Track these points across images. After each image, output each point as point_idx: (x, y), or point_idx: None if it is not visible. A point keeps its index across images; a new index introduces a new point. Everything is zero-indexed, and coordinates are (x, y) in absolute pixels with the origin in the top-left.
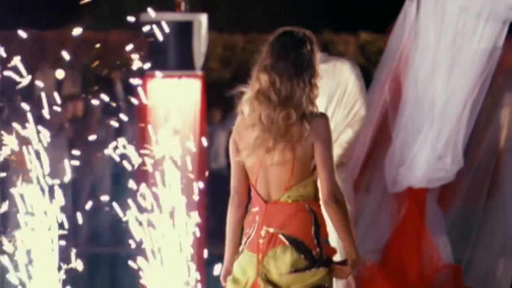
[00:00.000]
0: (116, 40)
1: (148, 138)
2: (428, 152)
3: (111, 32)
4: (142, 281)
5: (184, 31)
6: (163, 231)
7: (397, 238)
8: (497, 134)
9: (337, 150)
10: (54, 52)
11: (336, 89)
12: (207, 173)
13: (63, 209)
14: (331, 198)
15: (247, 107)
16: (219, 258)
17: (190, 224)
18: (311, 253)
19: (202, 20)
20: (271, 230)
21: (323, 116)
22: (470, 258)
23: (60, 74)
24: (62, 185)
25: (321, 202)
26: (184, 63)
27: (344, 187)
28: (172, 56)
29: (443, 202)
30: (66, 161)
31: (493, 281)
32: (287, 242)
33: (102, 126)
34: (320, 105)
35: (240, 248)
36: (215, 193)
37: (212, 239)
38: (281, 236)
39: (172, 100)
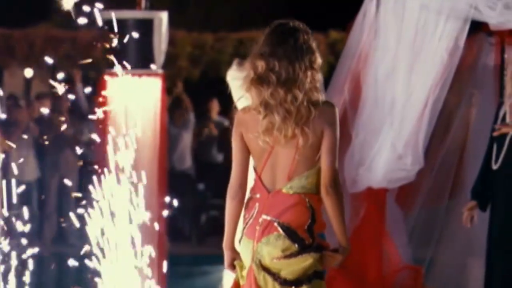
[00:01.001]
0: (79, 38)
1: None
2: (388, 152)
3: (77, 31)
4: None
5: (144, 29)
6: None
7: (357, 239)
8: (460, 133)
9: None
10: (23, 51)
11: None
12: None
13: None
14: (331, 185)
15: (247, 97)
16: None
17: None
18: (304, 241)
19: (162, 18)
20: (268, 218)
21: (332, 104)
22: (433, 258)
23: (28, 73)
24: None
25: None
26: (144, 62)
27: None
28: (133, 54)
29: (405, 203)
30: (33, 161)
31: (456, 280)
32: (281, 231)
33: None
34: None
35: (240, 235)
36: (181, 194)
37: (179, 240)
38: (276, 224)
39: (132, 99)
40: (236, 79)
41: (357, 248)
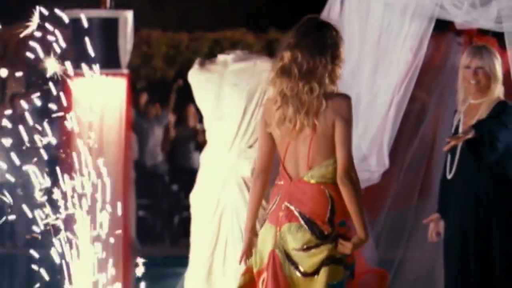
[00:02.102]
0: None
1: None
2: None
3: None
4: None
5: (109, 28)
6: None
7: None
8: (429, 134)
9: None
10: None
11: (256, 88)
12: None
13: None
14: (346, 176)
15: (271, 86)
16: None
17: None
18: (323, 233)
19: (128, 16)
20: (291, 206)
21: (346, 96)
22: (402, 259)
23: (3, 72)
24: None
25: None
26: (109, 61)
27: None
28: (97, 54)
29: (373, 205)
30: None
31: (426, 281)
32: (302, 221)
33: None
34: (239, 105)
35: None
36: (152, 190)
37: (151, 242)
38: (297, 214)
39: (97, 100)
40: (199, 79)
41: None
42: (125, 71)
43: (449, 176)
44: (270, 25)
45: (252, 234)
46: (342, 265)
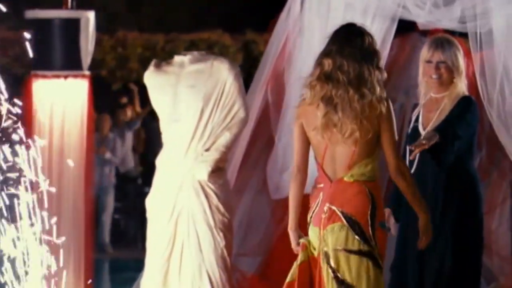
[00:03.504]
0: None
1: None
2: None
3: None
4: None
5: (70, 29)
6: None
7: (280, 248)
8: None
9: (213, 155)
10: None
11: (214, 89)
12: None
13: None
14: (398, 171)
15: (309, 91)
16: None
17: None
18: (365, 235)
19: (90, 17)
20: (333, 207)
21: (387, 99)
22: None
23: None
24: None
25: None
26: (71, 63)
27: (221, 193)
28: (58, 55)
29: None
30: None
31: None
32: (344, 221)
33: None
34: (196, 106)
35: (308, 222)
36: (125, 196)
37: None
38: (340, 214)
39: (58, 101)
40: (154, 81)
41: (280, 257)
42: (86, 72)
43: None
44: (246, 26)
45: (297, 233)
46: (380, 269)
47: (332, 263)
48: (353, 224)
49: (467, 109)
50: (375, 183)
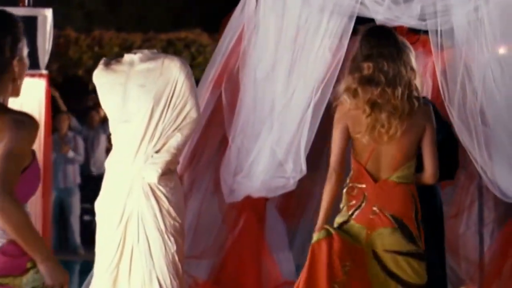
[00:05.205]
0: None
1: None
2: (267, 158)
3: None
4: None
5: (27, 27)
6: None
7: (234, 253)
8: None
9: (164, 157)
10: None
11: (164, 89)
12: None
13: None
14: (435, 177)
15: (348, 95)
16: None
17: None
18: (413, 236)
19: (47, 15)
20: (382, 210)
21: (428, 100)
22: None
23: None
24: None
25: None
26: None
27: (172, 197)
28: None
29: (295, 212)
30: None
31: None
32: (395, 225)
33: None
34: (146, 107)
35: (342, 218)
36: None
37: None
38: (390, 218)
39: (13, 101)
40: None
41: (234, 263)
42: (44, 71)
43: None
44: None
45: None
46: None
47: (384, 263)
48: (403, 227)
49: None
50: (414, 185)
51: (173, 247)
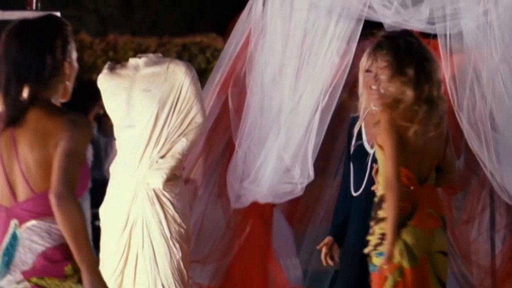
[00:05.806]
0: None
1: None
2: (274, 163)
3: None
4: None
5: None
6: None
7: (241, 260)
8: None
9: (169, 162)
10: None
11: (169, 94)
12: None
13: None
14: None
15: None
16: None
17: None
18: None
19: None
20: (432, 210)
21: (445, 99)
22: (333, 278)
23: None
24: None
25: None
26: None
27: (177, 203)
28: None
29: (302, 219)
30: None
31: None
32: (442, 224)
33: None
34: (151, 111)
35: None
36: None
37: None
38: (439, 217)
39: None
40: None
41: (241, 270)
42: None
43: (355, 193)
44: None
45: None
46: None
47: (435, 265)
48: (445, 225)
49: None
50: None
51: (178, 254)
